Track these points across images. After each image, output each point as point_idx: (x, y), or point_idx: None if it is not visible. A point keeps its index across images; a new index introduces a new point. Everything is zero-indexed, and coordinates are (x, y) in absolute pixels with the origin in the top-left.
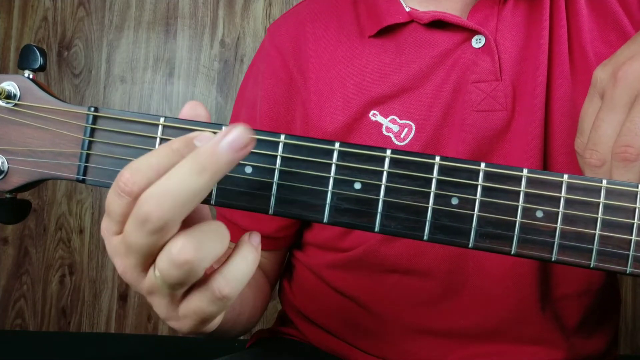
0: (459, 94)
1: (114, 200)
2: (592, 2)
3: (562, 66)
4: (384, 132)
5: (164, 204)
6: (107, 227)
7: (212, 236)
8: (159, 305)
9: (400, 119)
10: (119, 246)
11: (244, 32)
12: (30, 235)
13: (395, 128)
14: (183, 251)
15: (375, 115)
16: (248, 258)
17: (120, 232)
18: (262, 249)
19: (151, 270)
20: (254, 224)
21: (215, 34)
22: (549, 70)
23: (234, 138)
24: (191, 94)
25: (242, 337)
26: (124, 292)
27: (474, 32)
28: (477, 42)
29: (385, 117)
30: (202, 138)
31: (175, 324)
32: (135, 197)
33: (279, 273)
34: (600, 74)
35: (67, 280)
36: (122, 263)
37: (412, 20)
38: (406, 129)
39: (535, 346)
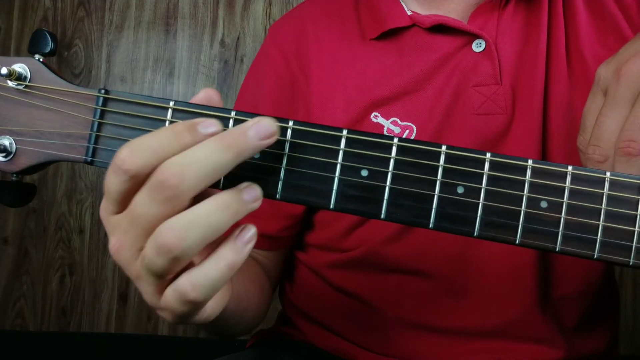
0: (459, 97)
1: (111, 180)
2: (590, 6)
3: (560, 70)
4: (385, 134)
5: (185, 173)
6: (105, 206)
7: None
8: (145, 292)
9: (402, 121)
10: (120, 222)
11: (244, 32)
12: (30, 235)
13: (396, 130)
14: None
15: (376, 117)
16: (220, 264)
17: (118, 211)
18: (264, 249)
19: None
20: (257, 223)
21: (215, 34)
22: (547, 74)
23: (263, 126)
24: (191, 94)
25: (242, 337)
26: (124, 292)
27: (475, 36)
28: (478, 46)
29: (387, 118)
30: (207, 124)
31: (160, 312)
32: (132, 176)
33: (280, 275)
34: (603, 71)
35: (67, 280)
36: (120, 239)
37: (413, 24)
38: (407, 131)
39: (536, 345)
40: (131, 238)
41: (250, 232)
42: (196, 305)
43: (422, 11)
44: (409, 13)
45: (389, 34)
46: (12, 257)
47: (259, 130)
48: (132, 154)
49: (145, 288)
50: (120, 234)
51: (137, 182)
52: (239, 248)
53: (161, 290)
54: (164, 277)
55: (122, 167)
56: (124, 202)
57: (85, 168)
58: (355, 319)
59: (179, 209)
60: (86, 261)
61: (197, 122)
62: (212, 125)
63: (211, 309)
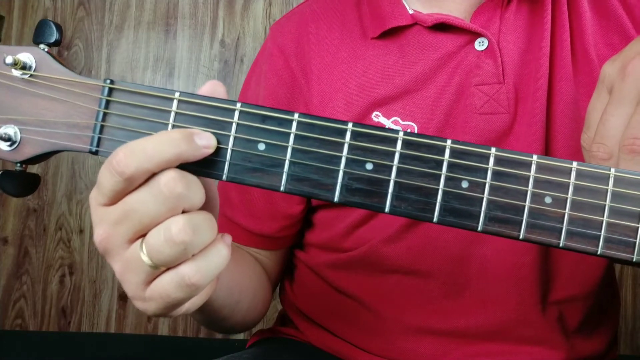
0: (461, 96)
1: (105, 177)
2: (595, 5)
3: (565, 69)
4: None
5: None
6: (95, 197)
7: (207, 224)
8: (130, 282)
9: (403, 120)
10: (111, 213)
11: (244, 32)
12: (30, 235)
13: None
14: (183, 231)
15: (377, 117)
16: (222, 252)
17: (107, 204)
18: (264, 249)
19: (137, 244)
20: (255, 224)
21: (215, 34)
22: (550, 72)
23: (206, 135)
24: None
25: (242, 337)
26: (124, 292)
27: (477, 35)
28: (480, 44)
29: (388, 118)
30: (203, 136)
31: (141, 304)
32: (126, 178)
33: (280, 273)
34: (609, 69)
35: (67, 280)
36: (108, 230)
37: (415, 22)
38: (408, 131)
39: (536, 346)
40: (123, 230)
41: (229, 238)
42: (195, 290)
43: (424, 10)
44: (410, 12)
45: (390, 33)
46: (12, 257)
47: (201, 136)
48: (127, 157)
49: (134, 279)
50: (109, 225)
51: (130, 183)
52: (227, 245)
53: (150, 280)
54: (165, 267)
55: (117, 169)
56: (115, 198)
57: (85, 168)
58: (355, 321)
59: (178, 209)
60: (86, 261)
61: (194, 132)
62: (207, 138)
63: (191, 302)
